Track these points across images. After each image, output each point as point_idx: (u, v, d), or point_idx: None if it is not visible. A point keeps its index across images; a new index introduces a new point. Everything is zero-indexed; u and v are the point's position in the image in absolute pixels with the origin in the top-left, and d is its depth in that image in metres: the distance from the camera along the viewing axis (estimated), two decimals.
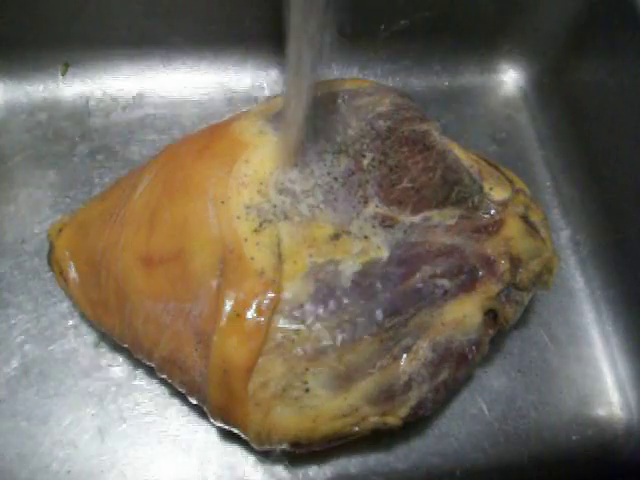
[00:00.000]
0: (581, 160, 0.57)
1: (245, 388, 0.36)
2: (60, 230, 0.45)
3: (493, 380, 0.48)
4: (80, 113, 0.57)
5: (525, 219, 0.43)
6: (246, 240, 0.38)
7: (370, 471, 0.44)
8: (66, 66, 0.58)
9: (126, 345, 0.42)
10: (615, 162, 0.53)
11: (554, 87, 0.61)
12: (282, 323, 0.36)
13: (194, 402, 0.41)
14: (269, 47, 0.59)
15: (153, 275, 0.39)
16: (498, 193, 0.43)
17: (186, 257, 0.39)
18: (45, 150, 0.55)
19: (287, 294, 0.37)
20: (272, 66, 0.60)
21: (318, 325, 0.37)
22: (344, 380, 0.37)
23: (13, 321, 0.47)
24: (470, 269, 0.40)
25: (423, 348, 0.38)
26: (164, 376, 0.41)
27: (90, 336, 0.47)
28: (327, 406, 0.36)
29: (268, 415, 0.36)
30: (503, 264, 0.41)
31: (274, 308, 0.36)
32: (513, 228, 0.42)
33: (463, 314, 0.39)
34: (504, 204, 0.43)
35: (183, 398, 0.43)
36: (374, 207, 0.40)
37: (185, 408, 0.45)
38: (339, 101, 0.45)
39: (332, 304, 0.37)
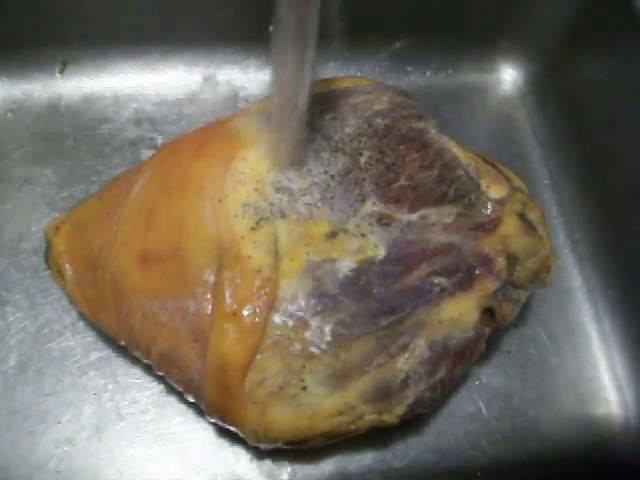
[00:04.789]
0: (579, 158, 0.57)
1: (242, 386, 0.36)
2: (57, 228, 0.45)
3: (491, 378, 0.48)
4: (78, 111, 0.57)
5: (522, 217, 0.43)
6: (243, 238, 0.38)
7: (367, 469, 0.44)
8: (64, 64, 0.58)
9: (123, 343, 0.42)
10: (613, 160, 0.53)
11: (552, 85, 0.61)
12: (279, 321, 0.37)
13: (191, 400, 0.41)
14: (269, 45, 0.59)
15: (150, 273, 0.39)
16: (495, 191, 0.43)
17: (183, 255, 0.39)
18: (43, 148, 0.55)
19: (284, 292, 0.37)
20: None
21: (315, 323, 0.37)
22: (341, 378, 0.37)
23: (10, 319, 0.47)
24: (467, 267, 0.40)
25: (420, 346, 0.38)
26: (161, 374, 0.41)
27: (87, 334, 0.47)
28: (324, 404, 0.36)
29: (265, 413, 0.36)
30: (500, 262, 0.40)
31: (271, 306, 0.36)
32: (510, 226, 0.42)
33: (460, 312, 0.39)
34: (501, 202, 0.43)
35: (180, 396, 0.43)
36: (371, 205, 0.40)
37: (182, 406, 0.45)
38: (336, 99, 0.44)
39: (329, 302, 0.37)
